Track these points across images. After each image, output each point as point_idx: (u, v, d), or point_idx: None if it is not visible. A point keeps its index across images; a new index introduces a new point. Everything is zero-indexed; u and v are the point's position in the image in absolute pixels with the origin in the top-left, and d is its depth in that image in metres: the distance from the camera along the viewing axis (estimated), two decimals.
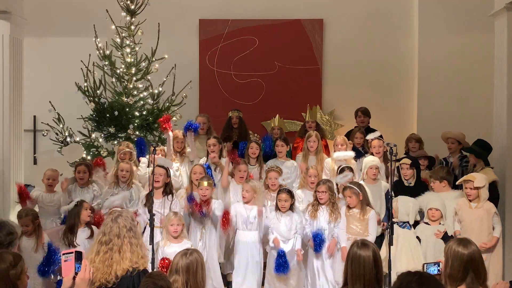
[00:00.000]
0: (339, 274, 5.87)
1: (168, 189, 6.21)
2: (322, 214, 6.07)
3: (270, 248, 6.03)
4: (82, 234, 5.84)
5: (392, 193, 5.67)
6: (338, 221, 6.00)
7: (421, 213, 6.19)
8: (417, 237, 5.94)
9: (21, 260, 3.19)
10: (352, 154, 6.98)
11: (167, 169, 6.24)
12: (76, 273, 3.09)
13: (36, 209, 6.42)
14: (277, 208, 6.07)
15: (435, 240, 5.82)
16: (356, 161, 7.08)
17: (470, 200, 5.98)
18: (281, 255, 5.80)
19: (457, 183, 6.25)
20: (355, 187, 5.94)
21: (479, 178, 5.97)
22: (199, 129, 7.65)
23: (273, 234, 5.99)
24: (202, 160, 7.02)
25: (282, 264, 5.79)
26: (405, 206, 6.01)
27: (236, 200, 6.44)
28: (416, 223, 6.11)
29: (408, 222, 5.99)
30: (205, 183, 6.03)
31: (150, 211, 5.51)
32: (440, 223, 5.94)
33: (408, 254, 5.79)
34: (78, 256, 3.14)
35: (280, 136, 7.54)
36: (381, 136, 7.27)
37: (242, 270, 6.04)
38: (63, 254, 3.17)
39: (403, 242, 5.86)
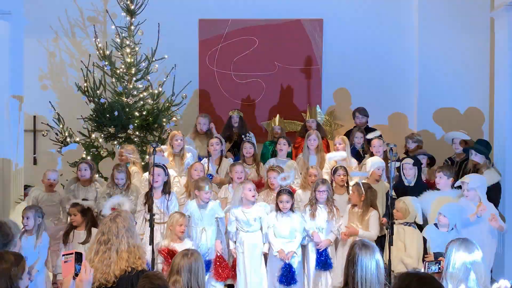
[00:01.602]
0: (338, 274, 5.88)
1: (166, 188, 6.22)
2: (321, 213, 6.08)
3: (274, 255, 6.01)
4: (77, 236, 5.85)
5: (392, 193, 5.66)
6: (336, 219, 6.04)
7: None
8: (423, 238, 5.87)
9: (23, 260, 3.21)
10: (344, 154, 6.98)
11: (164, 168, 6.24)
12: (76, 274, 3.10)
13: None
14: (277, 208, 6.05)
15: (442, 240, 5.74)
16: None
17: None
18: (289, 269, 5.82)
19: (455, 185, 6.19)
20: (361, 186, 5.95)
21: (474, 179, 5.92)
22: (199, 129, 7.70)
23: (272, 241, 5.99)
24: (204, 161, 7.03)
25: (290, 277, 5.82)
26: (413, 207, 5.96)
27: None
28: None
29: (414, 222, 5.93)
30: (206, 187, 6.04)
31: (150, 211, 5.51)
32: (447, 230, 5.77)
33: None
34: (78, 257, 3.15)
35: (282, 136, 7.52)
36: (381, 135, 7.27)
37: (244, 272, 5.98)
38: (63, 255, 3.18)
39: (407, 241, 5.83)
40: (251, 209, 6.05)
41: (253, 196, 6.02)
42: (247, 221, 6.00)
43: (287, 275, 5.79)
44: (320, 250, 5.97)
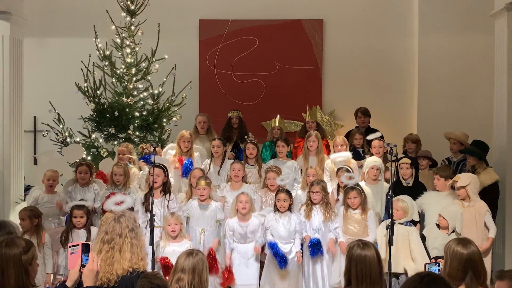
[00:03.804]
0: (336, 274, 5.88)
1: (166, 188, 6.22)
2: (316, 214, 6.05)
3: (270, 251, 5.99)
4: (77, 237, 5.85)
5: (392, 193, 5.64)
6: (332, 219, 6.01)
7: (420, 214, 6.17)
8: (423, 236, 5.87)
9: (33, 246, 3.24)
10: (348, 154, 6.96)
11: (164, 169, 6.24)
12: (83, 265, 3.13)
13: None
14: (276, 208, 6.04)
15: (440, 241, 5.75)
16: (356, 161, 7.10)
17: (462, 200, 5.99)
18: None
19: (448, 184, 6.22)
20: (359, 188, 5.96)
21: (463, 178, 5.99)
22: (199, 129, 7.69)
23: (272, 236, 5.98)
24: (205, 163, 7.03)
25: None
26: (411, 204, 5.97)
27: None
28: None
29: (411, 220, 5.94)
30: (203, 183, 6.03)
31: (150, 211, 5.51)
32: (448, 233, 5.79)
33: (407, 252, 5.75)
34: (86, 248, 3.18)
35: (281, 137, 7.53)
36: (382, 136, 7.27)
37: (239, 279, 5.96)
38: (69, 246, 3.22)
39: (404, 241, 5.81)
40: (248, 223, 5.96)
41: (243, 209, 5.91)
42: (244, 234, 5.96)
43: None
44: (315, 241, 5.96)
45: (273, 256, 5.83)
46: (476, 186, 6.04)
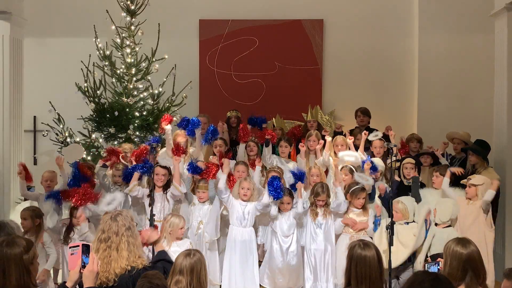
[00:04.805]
0: (338, 271, 5.90)
1: (167, 186, 6.25)
2: (319, 213, 6.15)
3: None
4: (78, 232, 5.85)
5: (392, 194, 5.66)
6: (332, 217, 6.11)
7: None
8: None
9: (34, 245, 3.25)
10: (356, 154, 6.96)
11: (168, 168, 6.25)
12: (83, 266, 3.13)
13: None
14: (279, 209, 6.11)
15: (440, 239, 5.75)
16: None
17: (469, 199, 5.99)
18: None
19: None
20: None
21: (478, 177, 6.02)
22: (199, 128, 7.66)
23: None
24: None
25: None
26: (411, 206, 5.99)
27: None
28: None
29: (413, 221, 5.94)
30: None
31: (150, 211, 5.51)
32: (439, 223, 5.82)
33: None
34: (86, 249, 3.20)
35: (283, 137, 7.52)
36: (383, 136, 7.27)
37: (235, 269, 6.00)
38: (70, 247, 3.23)
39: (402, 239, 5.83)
40: (247, 203, 6.09)
41: (244, 195, 6.07)
42: (242, 214, 6.05)
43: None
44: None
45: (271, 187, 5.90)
46: (486, 187, 6.00)
